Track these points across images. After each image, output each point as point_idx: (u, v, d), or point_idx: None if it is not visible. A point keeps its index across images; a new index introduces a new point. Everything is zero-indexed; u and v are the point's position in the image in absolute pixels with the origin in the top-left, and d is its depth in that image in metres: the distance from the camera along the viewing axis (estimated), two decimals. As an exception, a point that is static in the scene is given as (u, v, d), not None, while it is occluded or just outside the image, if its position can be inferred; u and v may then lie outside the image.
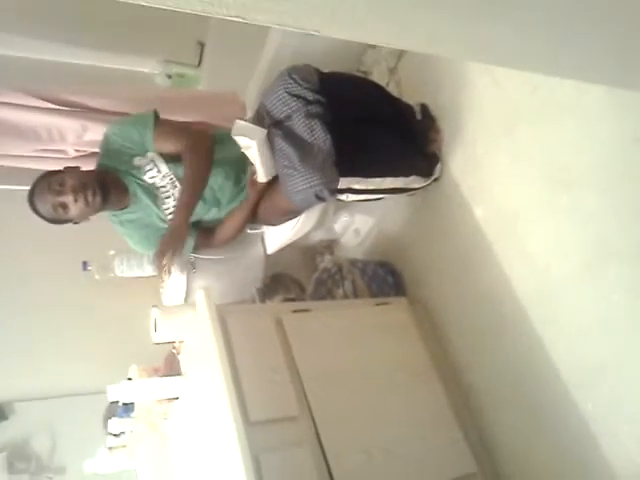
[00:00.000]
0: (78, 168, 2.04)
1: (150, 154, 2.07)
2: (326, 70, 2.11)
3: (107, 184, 1.97)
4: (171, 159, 2.07)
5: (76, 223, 2.01)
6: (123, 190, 2.04)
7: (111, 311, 2.61)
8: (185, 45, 2.82)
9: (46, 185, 1.92)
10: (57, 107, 2.34)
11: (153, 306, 2.07)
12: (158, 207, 2.06)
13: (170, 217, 2.06)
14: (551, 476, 1.92)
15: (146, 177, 2.05)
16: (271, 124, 1.97)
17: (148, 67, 2.83)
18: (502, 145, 2.06)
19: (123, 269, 2.54)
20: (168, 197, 2.06)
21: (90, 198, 1.91)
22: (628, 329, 1.67)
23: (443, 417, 2.05)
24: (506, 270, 2.07)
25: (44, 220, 1.97)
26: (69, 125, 2.32)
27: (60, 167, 2.05)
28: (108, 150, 2.10)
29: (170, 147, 2.06)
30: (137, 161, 2.05)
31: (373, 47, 2.73)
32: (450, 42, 1.07)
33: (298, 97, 1.96)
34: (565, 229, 1.85)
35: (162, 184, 2.05)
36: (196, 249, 2.20)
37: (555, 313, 1.89)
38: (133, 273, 2.57)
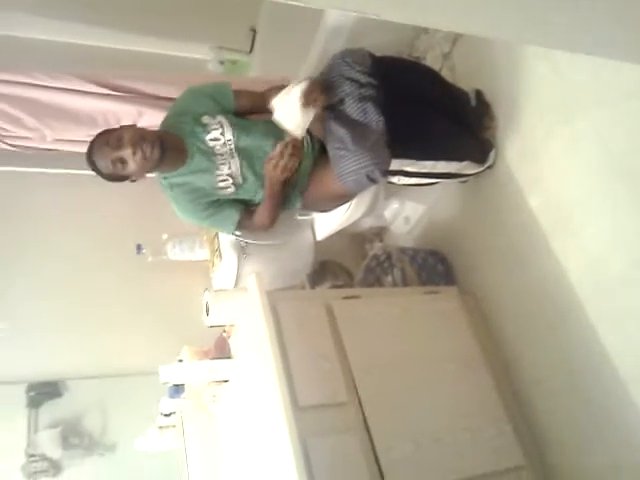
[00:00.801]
0: (135, 125, 2.06)
1: (219, 117, 2.07)
2: (379, 55, 2.09)
3: (166, 142, 1.97)
4: (237, 126, 2.07)
5: (133, 181, 2.02)
6: (181, 151, 2.03)
7: (163, 293, 2.65)
8: (237, 32, 2.83)
9: (105, 140, 1.92)
10: (113, 93, 2.39)
11: (205, 290, 2.10)
12: (212, 172, 2.05)
13: (221, 184, 2.06)
14: (601, 470, 1.88)
15: (208, 137, 2.04)
16: (324, 107, 1.96)
17: (201, 53, 2.85)
18: (560, 133, 2.01)
19: (175, 252, 2.59)
20: (223, 164, 2.05)
21: (148, 151, 1.90)
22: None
23: (492, 408, 2.02)
24: (562, 261, 2.01)
25: (102, 177, 1.97)
26: (125, 110, 2.37)
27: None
28: (177, 111, 2.12)
29: (250, 98, 2.13)
30: (205, 119, 2.05)
31: (426, 32, 2.69)
32: (514, 26, 1.04)
33: (351, 80, 1.95)
34: (626, 220, 1.79)
35: (220, 152, 2.05)
36: (240, 228, 2.19)
37: (612, 307, 1.84)
38: (185, 256, 2.62)
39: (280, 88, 1.99)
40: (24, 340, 2.41)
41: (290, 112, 1.88)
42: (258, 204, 2.14)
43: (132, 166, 1.92)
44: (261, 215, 2.13)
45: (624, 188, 1.79)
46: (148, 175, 2.06)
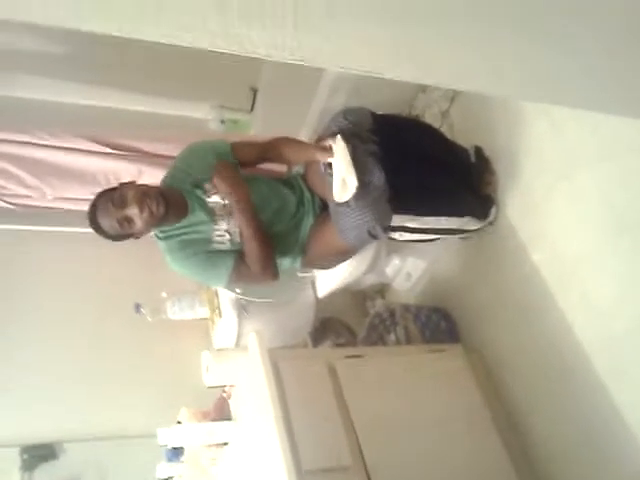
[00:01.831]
0: (134, 182, 2.05)
1: None
2: (379, 113, 2.12)
3: (168, 197, 1.95)
4: None
5: (137, 238, 1.98)
6: (183, 206, 2.01)
7: (162, 353, 2.61)
8: (238, 91, 2.87)
9: (109, 201, 1.89)
10: (114, 152, 2.40)
11: (205, 350, 2.06)
12: (209, 226, 2.02)
13: (217, 238, 2.03)
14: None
15: (208, 200, 2.03)
16: (324, 164, 1.97)
17: (202, 113, 2.88)
18: (561, 188, 2.01)
19: (175, 311, 2.56)
20: (222, 220, 2.03)
21: (154, 208, 1.87)
22: None
23: (501, 469, 1.96)
24: (567, 316, 1.99)
25: (106, 237, 1.94)
26: (126, 169, 2.38)
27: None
28: (178, 170, 2.10)
29: (250, 149, 2.12)
30: (207, 186, 2.03)
31: (424, 91, 2.74)
32: (515, 82, 1.05)
33: (353, 136, 1.96)
34: (630, 273, 1.78)
35: (220, 212, 2.03)
36: (235, 277, 2.05)
37: (622, 362, 1.80)
38: (185, 315, 2.58)
39: (292, 139, 2.08)
40: (19, 401, 2.36)
41: (345, 165, 1.88)
42: None
43: (139, 224, 1.89)
44: (250, 256, 2.01)
45: (628, 242, 1.78)
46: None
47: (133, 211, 1.87)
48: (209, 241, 2.03)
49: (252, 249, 1.98)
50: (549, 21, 0.87)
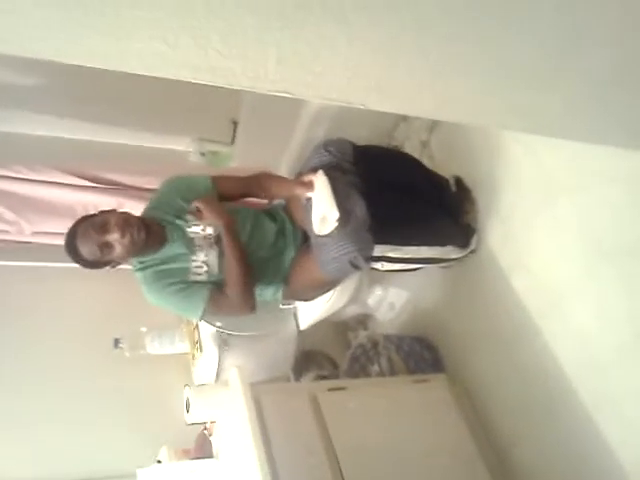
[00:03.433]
0: (116, 210, 2.02)
1: None
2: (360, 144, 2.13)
3: (149, 226, 1.93)
4: None
5: (113, 267, 1.96)
6: (161, 237, 1.99)
7: (141, 390, 2.54)
8: (218, 123, 2.87)
9: (89, 226, 1.87)
10: (94, 185, 2.38)
11: (185, 385, 2.02)
12: (187, 258, 2.00)
13: (195, 270, 2.01)
14: None
15: (189, 230, 2.01)
16: (306, 198, 1.97)
17: (182, 145, 2.87)
18: (541, 216, 2.03)
19: (155, 346, 2.51)
20: (200, 251, 2.01)
21: (135, 234, 1.85)
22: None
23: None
24: (551, 344, 1.99)
25: (82, 264, 1.91)
26: (106, 202, 2.35)
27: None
28: (159, 202, 2.09)
29: (231, 183, 2.12)
30: (188, 216, 2.02)
31: (405, 120, 2.76)
32: (494, 113, 1.06)
33: (334, 168, 1.96)
34: (612, 299, 1.79)
35: (199, 243, 2.02)
36: (212, 307, 2.02)
37: (608, 389, 1.80)
38: (164, 350, 2.54)
39: (271, 175, 2.11)
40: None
41: (326, 200, 1.88)
42: None
43: (118, 250, 1.87)
44: (231, 285, 1.99)
45: (609, 268, 1.79)
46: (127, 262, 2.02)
47: (114, 236, 1.85)
48: (186, 272, 2.01)
49: (235, 276, 1.96)
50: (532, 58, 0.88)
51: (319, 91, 0.92)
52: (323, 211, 1.86)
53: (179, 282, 1.99)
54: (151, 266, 2.01)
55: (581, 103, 1.03)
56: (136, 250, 1.91)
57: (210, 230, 2.01)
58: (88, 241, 1.86)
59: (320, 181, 1.87)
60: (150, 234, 1.92)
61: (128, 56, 0.76)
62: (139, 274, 2.02)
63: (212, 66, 0.78)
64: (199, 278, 2.01)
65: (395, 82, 0.92)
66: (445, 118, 1.05)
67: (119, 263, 1.96)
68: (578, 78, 0.96)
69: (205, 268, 2.01)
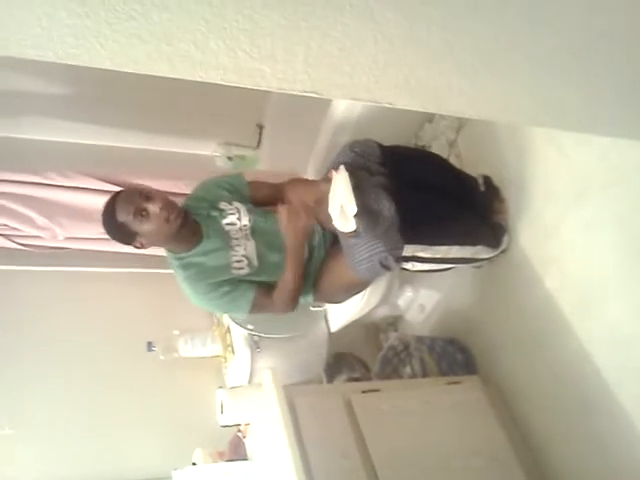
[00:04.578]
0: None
1: (236, 203, 2.09)
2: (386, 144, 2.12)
3: (187, 218, 1.95)
4: (254, 212, 2.09)
5: (139, 247, 1.97)
6: (196, 232, 2.01)
7: (175, 393, 2.56)
8: (244, 127, 2.89)
9: (137, 191, 1.91)
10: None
11: (219, 387, 2.03)
12: (226, 252, 2.01)
13: (236, 264, 2.01)
14: None
15: (224, 222, 2.03)
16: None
17: (208, 150, 2.89)
18: (572, 214, 2.00)
19: (187, 349, 2.53)
20: (239, 245, 2.03)
21: (173, 216, 1.87)
22: None
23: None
24: (585, 344, 1.95)
25: (109, 228, 1.93)
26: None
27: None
28: (194, 198, 2.12)
29: (266, 190, 2.18)
30: (222, 205, 2.06)
31: (431, 121, 2.74)
32: (526, 109, 1.04)
33: (361, 169, 1.96)
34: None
35: (236, 236, 2.04)
36: (256, 308, 2.05)
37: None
38: (197, 353, 2.56)
39: (301, 180, 2.06)
40: (29, 446, 2.31)
41: (344, 193, 1.85)
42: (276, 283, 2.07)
43: (151, 223, 1.87)
44: (282, 290, 2.03)
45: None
46: (154, 250, 2.05)
47: (154, 207, 1.86)
48: (228, 268, 2.01)
49: (291, 282, 2.01)
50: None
51: (348, 91, 0.91)
52: (340, 204, 1.83)
53: (224, 283, 2.00)
54: (192, 265, 2.01)
55: (610, 97, 1.01)
56: (166, 235, 1.92)
57: (245, 221, 2.03)
58: (129, 201, 1.88)
59: (340, 175, 1.86)
60: (185, 226, 1.93)
61: (159, 60, 0.76)
62: (180, 272, 2.02)
63: (241, 67, 0.78)
64: (241, 272, 2.02)
65: (424, 80, 0.91)
66: (476, 116, 1.04)
67: (143, 245, 1.96)
68: (607, 72, 0.94)
69: (245, 262, 2.02)
